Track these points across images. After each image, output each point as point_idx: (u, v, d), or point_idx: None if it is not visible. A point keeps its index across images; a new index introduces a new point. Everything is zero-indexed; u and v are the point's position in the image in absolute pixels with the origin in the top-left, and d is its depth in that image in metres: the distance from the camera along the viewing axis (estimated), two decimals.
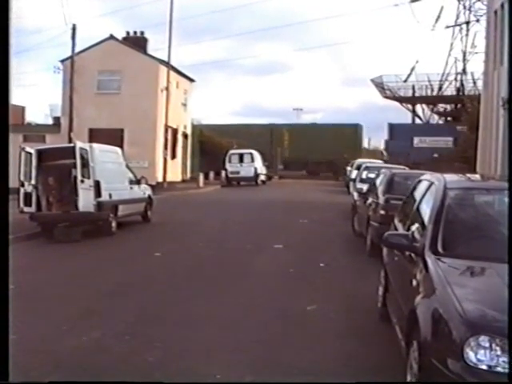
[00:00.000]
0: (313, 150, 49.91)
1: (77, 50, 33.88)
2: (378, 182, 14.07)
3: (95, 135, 31.41)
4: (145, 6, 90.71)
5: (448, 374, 3.79)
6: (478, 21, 47.74)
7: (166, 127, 36.88)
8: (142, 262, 12.08)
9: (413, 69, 53.44)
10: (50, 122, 41.42)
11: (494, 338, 3.71)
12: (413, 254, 5.36)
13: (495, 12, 23.17)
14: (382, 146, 54.82)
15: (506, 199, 5.25)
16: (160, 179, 35.09)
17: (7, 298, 3.77)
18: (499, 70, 21.72)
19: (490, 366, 3.70)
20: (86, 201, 14.92)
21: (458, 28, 52.16)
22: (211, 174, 42.59)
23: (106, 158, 16.14)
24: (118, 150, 18.15)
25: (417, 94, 54.68)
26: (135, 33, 39.21)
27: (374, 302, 7.65)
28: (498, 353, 3.69)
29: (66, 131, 33.18)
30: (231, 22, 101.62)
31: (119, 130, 34.47)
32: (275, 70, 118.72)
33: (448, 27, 52.21)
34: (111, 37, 37.28)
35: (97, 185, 15.05)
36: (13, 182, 15.95)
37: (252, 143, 43.98)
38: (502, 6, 21.08)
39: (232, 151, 41.82)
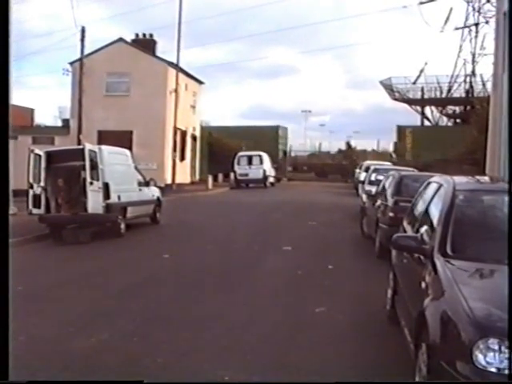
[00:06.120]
0: None
1: (86, 52, 34.02)
2: (386, 184, 14.04)
3: (104, 137, 31.42)
4: (153, 8, 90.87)
5: (457, 376, 3.77)
6: (487, 22, 47.49)
7: (175, 129, 36.92)
8: (151, 263, 12.10)
9: (422, 71, 53.35)
10: (59, 124, 41.59)
11: (503, 340, 3.68)
12: (422, 256, 5.34)
13: (504, 14, 23.05)
14: (390, 148, 54.81)
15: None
16: (169, 181, 35.15)
17: (7, 298, 3.77)
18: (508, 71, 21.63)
19: (499, 369, 3.68)
20: (94, 203, 14.96)
21: (467, 30, 51.97)
22: (220, 176, 42.59)
23: (114, 160, 16.19)
24: (127, 151, 18.18)
25: (426, 96, 54.55)
26: (144, 35, 39.23)
27: (383, 304, 7.63)
28: (507, 355, 3.66)
29: (75, 133, 33.30)
30: (239, 25, 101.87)
31: (128, 132, 34.49)
32: (283, 72, 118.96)
33: (457, 29, 52.03)
34: (120, 39, 37.33)
35: (106, 187, 15.09)
36: (22, 184, 15.98)
37: (261, 145, 43.90)
38: None
39: (241, 153, 41.74)
